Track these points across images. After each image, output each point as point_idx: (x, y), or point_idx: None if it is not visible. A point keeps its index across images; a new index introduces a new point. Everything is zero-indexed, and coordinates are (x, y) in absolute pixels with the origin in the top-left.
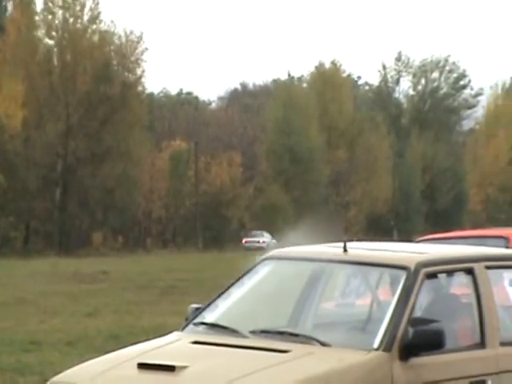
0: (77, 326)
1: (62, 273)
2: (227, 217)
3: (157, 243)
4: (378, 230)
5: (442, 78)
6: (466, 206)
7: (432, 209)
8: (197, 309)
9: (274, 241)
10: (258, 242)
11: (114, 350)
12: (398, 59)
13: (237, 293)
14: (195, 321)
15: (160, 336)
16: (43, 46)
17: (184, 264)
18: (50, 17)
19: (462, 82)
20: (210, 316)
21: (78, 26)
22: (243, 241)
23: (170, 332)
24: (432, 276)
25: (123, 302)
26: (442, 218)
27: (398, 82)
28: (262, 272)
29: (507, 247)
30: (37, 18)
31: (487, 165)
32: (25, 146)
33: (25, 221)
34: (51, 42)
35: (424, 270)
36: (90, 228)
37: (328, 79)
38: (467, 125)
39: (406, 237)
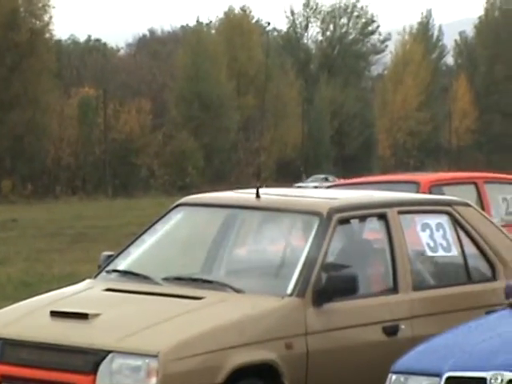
0: None
1: None
2: (136, 164)
3: (66, 191)
4: (287, 175)
5: (351, 24)
6: (375, 152)
7: (341, 154)
8: (109, 256)
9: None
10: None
11: (25, 298)
12: (307, 5)
13: (150, 240)
14: (108, 268)
15: (72, 284)
16: None
17: (94, 211)
18: None
19: (370, 28)
20: (122, 263)
21: None
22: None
23: (83, 280)
24: (345, 221)
25: (33, 250)
26: (351, 163)
27: (306, 27)
28: (174, 218)
29: (418, 192)
30: None
31: (396, 110)
32: None
33: None
34: None
35: (337, 216)
36: None
37: (237, 25)
38: (376, 70)
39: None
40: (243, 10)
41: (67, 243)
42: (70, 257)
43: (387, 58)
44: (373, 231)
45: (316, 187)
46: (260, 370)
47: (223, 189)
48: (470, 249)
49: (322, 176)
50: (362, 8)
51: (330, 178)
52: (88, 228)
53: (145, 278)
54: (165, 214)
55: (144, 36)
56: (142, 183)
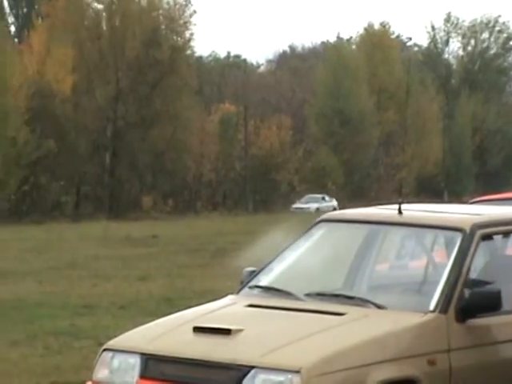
0: (129, 290)
1: (112, 237)
2: (277, 180)
3: (207, 206)
4: (428, 191)
5: (492, 39)
6: None
7: (482, 170)
8: (252, 272)
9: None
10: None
11: (166, 314)
12: (447, 20)
13: (292, 256)
14: (250, 284)
15: (212, 299)
16: (92, 10)
17: (234, 227)
18: None
19: (511, 43)
20: (265, 279)
21: None
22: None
23: (225, 295)
24: (488, 237)
25: (174, 266)
26: (492, 178)
27: (447, 43)
28: (316, 235)
29: None
30: None
31: None
32: (75, 110)
33: (75, 185)
34: (100, 7)
35: (480, 232)
36: (139, 192)
37: (377, 41)
38: None
39: (457, 198)
40: (383, 25)
41: (208, 259)
42: (211, 272)
43: None
44: None
45: (318, 209)
46: None
47: (363, 205)
48: None
49: (320, 196)
50: (503, 23)
51: (327, 197)
52: (229, 243)
53: (287, 294)
54: (307, 230)
55: (284, 52)
56: (282, 199)
